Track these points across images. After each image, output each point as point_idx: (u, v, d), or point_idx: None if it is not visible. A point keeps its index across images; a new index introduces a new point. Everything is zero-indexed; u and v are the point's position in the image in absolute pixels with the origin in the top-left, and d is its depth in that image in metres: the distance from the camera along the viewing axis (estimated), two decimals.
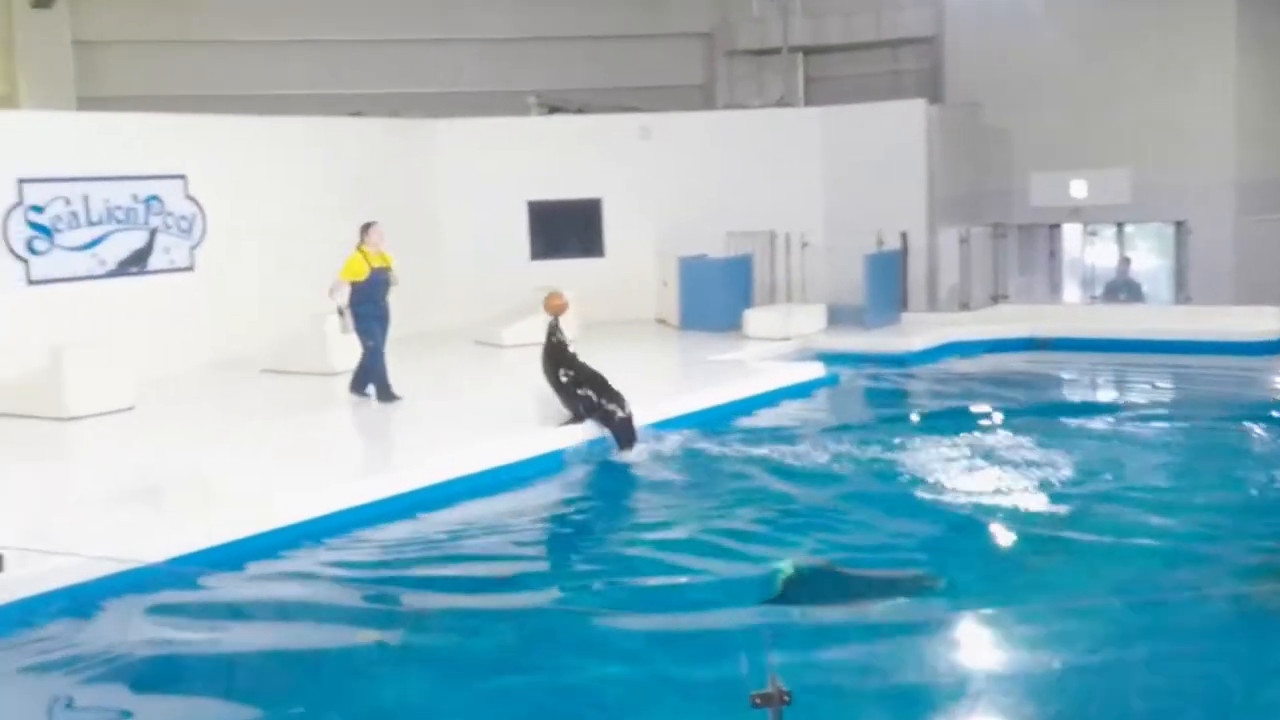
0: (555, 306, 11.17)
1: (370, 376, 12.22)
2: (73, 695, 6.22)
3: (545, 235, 18.40)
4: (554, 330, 11.05)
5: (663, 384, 13.92)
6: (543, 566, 8.57)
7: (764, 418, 12.33)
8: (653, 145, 18.53)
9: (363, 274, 12.02)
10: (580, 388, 10.84)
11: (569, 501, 9.85)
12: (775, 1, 21.85)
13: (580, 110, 20.01)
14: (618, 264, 18.41)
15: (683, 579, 7.73)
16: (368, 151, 17.17)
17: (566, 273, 17.36)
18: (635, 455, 10.61)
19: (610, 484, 10.18)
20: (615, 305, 17.77)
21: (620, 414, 10.76)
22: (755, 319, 16.35)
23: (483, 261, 17.84)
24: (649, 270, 18.22)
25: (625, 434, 10.74)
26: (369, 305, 12.10)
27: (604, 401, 10.81)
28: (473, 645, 6.74)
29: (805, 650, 6.30)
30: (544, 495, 9.83)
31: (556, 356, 10.95)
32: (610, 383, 10.93)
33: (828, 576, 7.75)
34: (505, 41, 22.27)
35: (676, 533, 8.67)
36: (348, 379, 12.51)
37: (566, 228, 18.45)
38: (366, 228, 12.19)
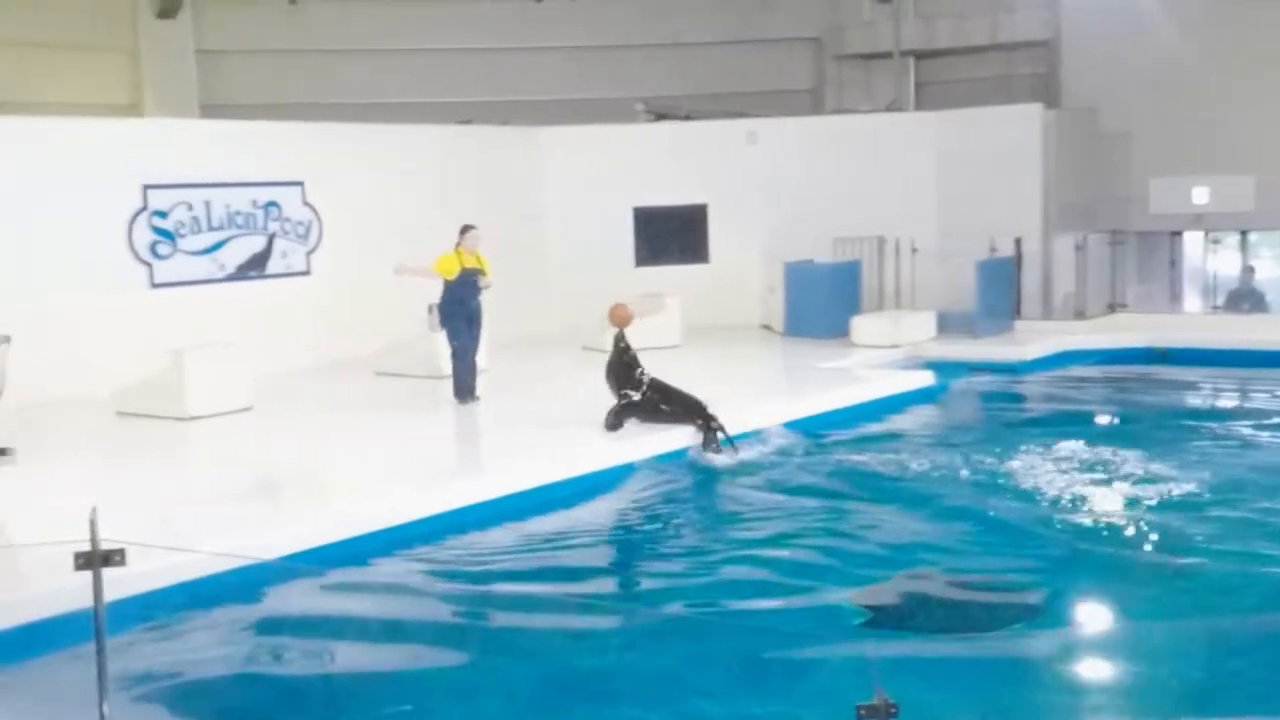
0: (621, 318, 11.06)
1: (454, 376, 12.40)
2: (184, 690, 6.37)
3: (650, 241, 18.47)
4: (620, 341, 10.98)
5: (766, 390, 13.84)
6: (638, 578, 8.52)
7: (870, 426, 12.16)
8: (759, 150, 18.47)
9: (453, 273, 12.23)
10: (647, 402, 10.80)
11: (666, 511, 9.76)
12: (886, 5, 21.63)
13: (687, 117, 20.04)
14: (722, 270, 18.39)
15: (776, 601, 7.58)
16: (476, 159, 17.40)
17: (671, 278, 17.43)
18: (727, 459, 10.58)
19: (709, 493, 10.12)
20: (719, 311, 17.77)
21: (700, 420, 10.76)
22: (863, 326, 16.17)
23: (588, 267, 17.95)
24: (754, 276, 18.16)
25: (708, 438, 10.72)
26: (456, 305, 12.34)
27: (678, 410, 10.82)
28: (568, 659, 6.74)
29: (910, 666, 6.21)
30: (642, 502, 9.77)
31: (622, 374, 10.89)
32: (682, 390, 10.92)
33: (932, 595, 7.61)
34: (614, 49, 22.40)
35: (776, 544, 8.57)
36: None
37: (671, 234, 18.49)
38: (465, 230, 12.40)
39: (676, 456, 10.64)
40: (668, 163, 18.39)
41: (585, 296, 17.44)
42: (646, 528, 9.36)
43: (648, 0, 22.38)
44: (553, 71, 22.32)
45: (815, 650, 6.53)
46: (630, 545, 9.08)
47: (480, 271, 12.39)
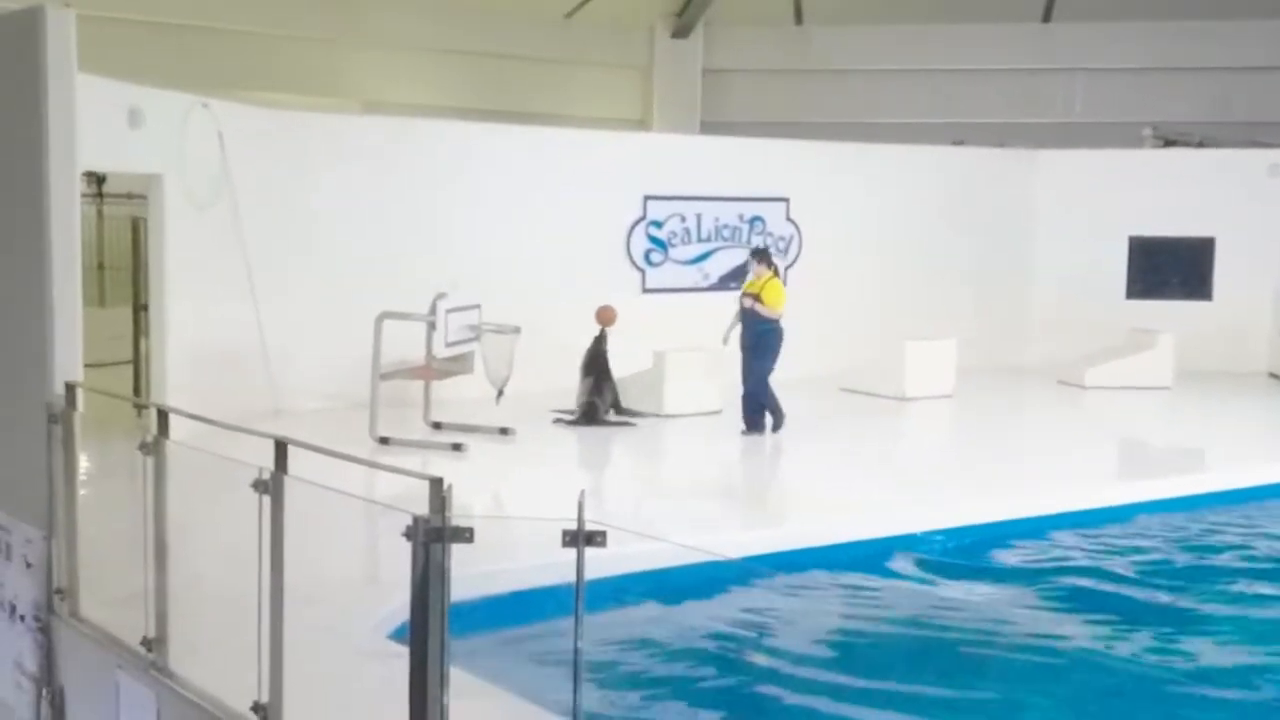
0: (606, 318, 12.30)
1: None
2: (643, 671, 6.75)
3: (1145, 273, 17.31)
4: (601, 340, 12.28)
5: (1267, 446, 12.65)
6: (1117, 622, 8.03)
7: None
8: None
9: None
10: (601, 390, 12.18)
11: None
12: None
13: (1200, 144, 18.63)
14: (1227, 309, 16.89)
15: None
16: (965, 180, 17.06)
17: (1166, 314, 16.28)
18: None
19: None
20: (1220, 354, 16.40)
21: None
22: None
23: (1074, 297, 17.11)
24: (1265, 318, 16.57)
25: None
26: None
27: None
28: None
29: None
30: (1148, 539, 9.32)
31: (598, 369, 12.28)
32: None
33: None
34: (1124, 72, 21.26)
35: None
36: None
37: (1170, 267, 17.25)
38: None
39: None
40: (1173, 192, 17.15)
41: (1068, 327, 16.68)
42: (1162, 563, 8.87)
43: (1170, 21, 20.99)
44: (1055, 93, 21.50)
45: None
46: (1103, 596, 8.53)
47: (750, 295, 11.94)
